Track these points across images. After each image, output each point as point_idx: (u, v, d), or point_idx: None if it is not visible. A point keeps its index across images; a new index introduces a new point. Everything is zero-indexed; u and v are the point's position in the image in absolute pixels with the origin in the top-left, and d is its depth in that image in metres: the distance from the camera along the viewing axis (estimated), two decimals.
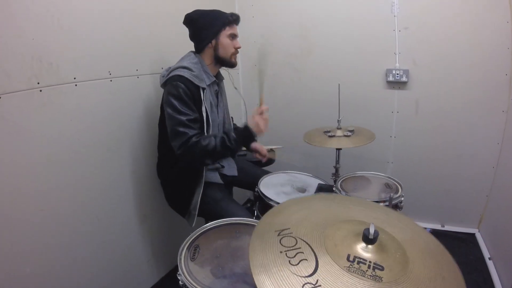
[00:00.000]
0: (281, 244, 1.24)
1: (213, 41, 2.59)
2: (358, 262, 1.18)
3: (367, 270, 1.15)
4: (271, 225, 1.36)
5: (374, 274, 1.14)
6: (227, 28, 2.60)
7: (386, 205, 2.43)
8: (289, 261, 1.16)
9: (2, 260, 1.92)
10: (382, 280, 1.13)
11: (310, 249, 1.22)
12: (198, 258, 1.76)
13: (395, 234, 1.38)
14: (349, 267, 1.15)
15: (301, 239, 1.26)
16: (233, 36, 2.65)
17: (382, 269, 1.17)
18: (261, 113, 2.57)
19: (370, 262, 1.19)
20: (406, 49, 3.66)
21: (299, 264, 1.15)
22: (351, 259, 1.19)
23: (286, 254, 1.19)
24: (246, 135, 2.50)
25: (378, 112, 3.95)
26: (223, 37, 2.59)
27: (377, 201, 2.51)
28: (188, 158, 2.46)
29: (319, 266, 1.14)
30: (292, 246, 1.23)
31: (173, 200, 2.81)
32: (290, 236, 1.28)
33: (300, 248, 1.22)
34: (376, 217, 1.53)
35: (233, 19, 2.62)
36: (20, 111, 1.94)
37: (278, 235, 1.29)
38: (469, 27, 3.37)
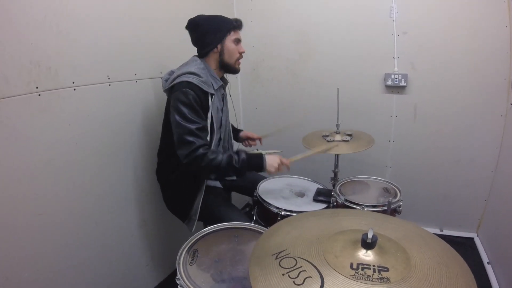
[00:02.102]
0: (281, 266, 1.24)
1: (219, 46, 2.58)
2: (363, 268, 1.19)
3: (373, 274, 1.16)
4: (267, 249, 1.36)
5: (381, 276, 1.16)
6: (232, 33, 2.60)
7: (385, 210, 2.44)
8: (294, 282, 1.16)
9: (1, 265, 1.92)
10: (390, 281, 1.14)
11: (311, 265, 1.22)
12: (197, 262, 1.76)
13: (389, 234, 1.41)
14: (354, 275, 1.16)
15: (300, 258, 1.27)
16: (238, 41, 2.65)
17: (387, 270, 1.19)
18: (284, 163, 2.63)
19: (374, 265, 1.21)
20: (405, 53, 3.66)
21: (305, 283, 1.15)
22: (354, 266, 1.20)
23: (288, 275, 1.18)
24: (256, 163, 2.54)
25: (376, 117, 3.95)
26: (229, 42, 2.59)
27: (375, 206, 2.52)
28: (193, 169, 2.45)
29: (324, 280, 1.15)
30: (293, 267, 1.22)
31: (172, 205, 2.81)
32: (289, 257, 1.28)
33: (301, 266, 1.22)
34: (367, 223, 1.55)
35: (237, 25, 2.63)
36: (18, 116, 1.94)
37: (276, 258, 1.28)
38: (468, 31, 3.38)
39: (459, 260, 1.31)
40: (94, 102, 2.43)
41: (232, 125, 3.21)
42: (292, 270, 1.20)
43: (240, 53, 2.68)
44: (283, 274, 1.19)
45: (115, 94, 2.60)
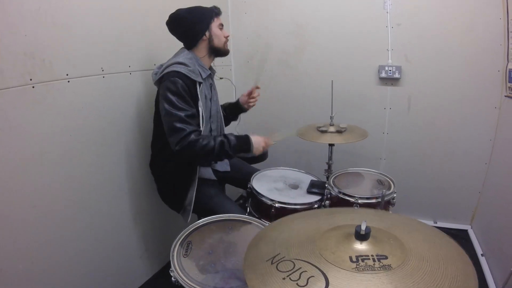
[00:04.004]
0: (279, 270, 1.21)
1: (207, 33, 2.60)
2: (363, 259, 1.20)
3: (374, 264, 1.17)
4: (259, 256, 1.33)
5: (382, 264, 1.17)
6: (215, 19, 2.64)
7: (379, 202, 2.45)
8: (297, 284, 1.13)
9: None
10: (392, 267, 1.15)
11: (310, 265, 1.20)
12: (191, 254, 1.77)
13: (377, 225, 1.42)
14: (356, 267, 1.17)
15: (297, 259, 1.24)
16: (221, 26, 2.69)
17: (386, 257, 1.20)
18: (267, 143, 2.68)
19: (372, 255, 1.21)
20: (399, 45, 3.67)
21: (309, 283, 1.13)
22: (354, 259, 1.20)
23: (290, 278, 1.16)
24: (244, 147, 2.58)
25: (370, 109, 3.96)
26: (215, 28, 2.63)
27: (369, 198, 2.54)
28: (185, 155, 2.47)
29: (328, 277, 1.14)
30: (292, 269, 1.20)
31: (167, 196, 2.81)
32: (284, 260, 1.25)
33: (300, 268, 1.20)
34: (353, 218, 1.56)
35: (218, 11, 2.67)
36: (12, 108, 1.94)
37: (272, 263, 1.25)
38: (462, 23, 3.38)
39: (446, 238, 1.37)
40: (88, 94, 2.43)
41: (229, 104, 3.24)
42: (292, 273, 1.18)
43: (226, 37, 2.72)
44: (283, 278, 1.16)
45: (109, 86, 2.60)
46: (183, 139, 2.37)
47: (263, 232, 1.55)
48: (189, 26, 2.59)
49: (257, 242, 1.45)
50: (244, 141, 2.58)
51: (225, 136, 2.53)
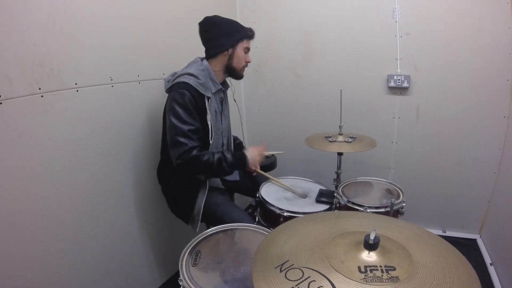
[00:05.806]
0: (288, 279, 1.19)
1: (230, 50, 2.60)
2: (371, 270, 1.18)
3: (382, 275, 1.16)
4: (268, 262, 1.31)
5: (390, 276, 1.16)
6: (245, 41, 2.65)
7: (388, 211, 2.43)
8: None
9: (4, 265, 1.92)
10: (399, 279, 1.14)
11: (320, 274, 1.19)
12: (200, 263, 1.76)
13: (385, 233, 1.41)
14: (365, 278, 1.15)
15: (306, 267, 1.23)
16: (247, 50, 2.70)
17: (394, 269, 1.19)
18: (261, 154, 2.77)
19: (380, 266, 1.20)
20: (408, 54, 3.66)
21: None
22: (362, 269, 1.19)
23: None
24: (241, 163, 2.63)
25: (379, 118, 3.95)
26: (240, 49, 2.63)
27: (378, 207, 2.53)
28: (184, 170, 2.48)
29: None
30: (300, 278, 1.19)
31: (175, 207, 2.80)
32: (293, 268, 1.24)
33: (309, 277, 1.19)
34: (361, 223, 1.55)
35: (251, 34, 2.68)
36: (21, 117, 1.95)
37: (281, 271, 1.24)
38: (470, 32, 3.38)
39: (454, 251, 1.35)
40: (96, 103, 2.43)
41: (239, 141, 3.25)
42: (301, 282, 1.16)
43: (246, 62, 2.71)
44: None
45: (118, 95, 2.60)
46: (184, 154, 2.39)
47: (271, 236, 1.53)
48: (216, 35, 2.59)
49: (266, 247, 1.44)
50: (240, 159, 2.62)
51: (222, 153, 2.54)
